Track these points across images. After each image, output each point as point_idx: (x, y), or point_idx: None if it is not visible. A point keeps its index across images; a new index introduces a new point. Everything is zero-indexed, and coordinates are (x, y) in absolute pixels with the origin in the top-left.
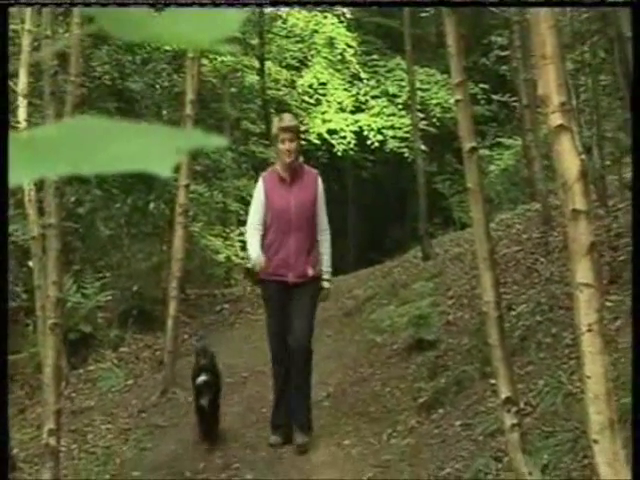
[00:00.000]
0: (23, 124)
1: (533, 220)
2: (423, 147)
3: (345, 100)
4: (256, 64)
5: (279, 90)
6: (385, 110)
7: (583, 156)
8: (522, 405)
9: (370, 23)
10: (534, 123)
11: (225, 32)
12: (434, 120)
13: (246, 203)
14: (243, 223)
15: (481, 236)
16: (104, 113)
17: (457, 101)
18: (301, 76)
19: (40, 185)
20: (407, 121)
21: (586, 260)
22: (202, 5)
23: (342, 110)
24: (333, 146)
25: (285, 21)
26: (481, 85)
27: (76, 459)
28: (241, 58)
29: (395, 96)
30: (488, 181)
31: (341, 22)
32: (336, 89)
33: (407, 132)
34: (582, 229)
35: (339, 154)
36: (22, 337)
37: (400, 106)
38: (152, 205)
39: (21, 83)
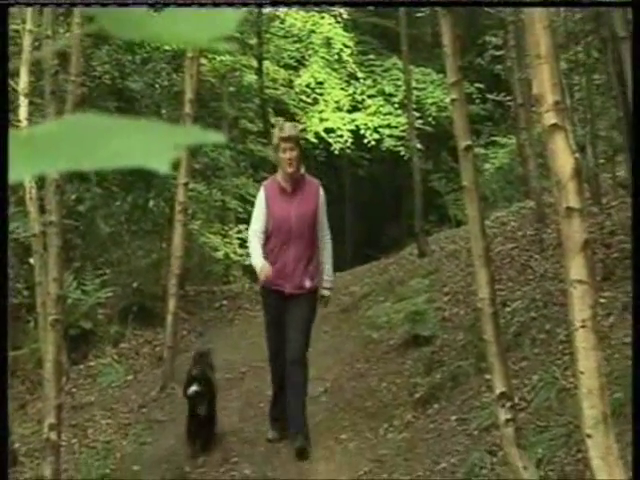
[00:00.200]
0: (24, 123)
1: (527, 218)
2: (419, 146)
3: (342, 99)
4: (254, 64)
5: (277, 89)
6: (381, 109)
7: (577, 154)
8: (517, 400)
9: (367, 23)
10: (528, 122)
11: (223, 31)
12: (430, 119)
13: (245, 201)
14: (242, 221)
15: (476, 233)
16: (104, 112)
17: (453, 100)
18: (299, 75)
19: (41, 183)
20: (403, 120)
21: (580, 257)
22: (202, 5)
23: (339, 109)
24: (330, 145)
25: (283, 21)
26: (476, 84)
27: (76, 453)
28: (239, 58)
29: (391, 95)
30: (483, 179)
31: (338, 22)
32: (333, 88)
33: (403, 131)
34: (576, 226)
35: (336, 153)
36: (23, 333)
37: (396, 105)
38: (152, 203)
39: (22, 82)
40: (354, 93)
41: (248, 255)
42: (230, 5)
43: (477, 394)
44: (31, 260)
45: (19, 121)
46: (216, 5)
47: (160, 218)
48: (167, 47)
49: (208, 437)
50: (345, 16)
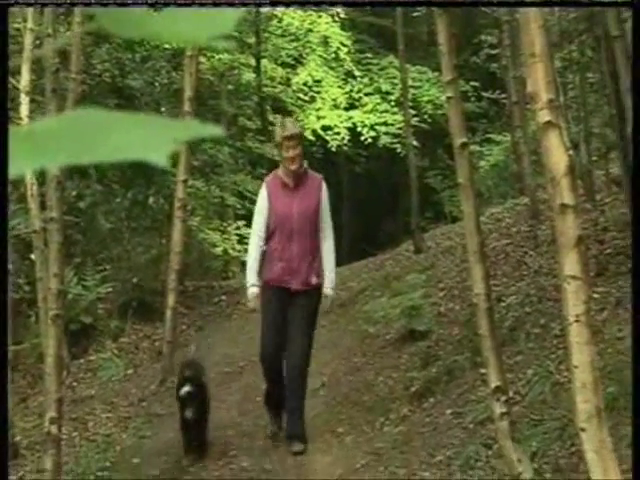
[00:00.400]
0: (25, 120)
1: (522, 214)
2: (415, 143)
3: (339, 97)
4: (252, 62)
5: (275, 87)
6: (378, 107)
7: (571, 152)
8: (511, 394)
9: (363, 22)
10: (523, 119)
11: (222, 30)
12: (426, 117)
13: (243, 198)
14: (240, 217)
15: (471, 230)
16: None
17: (448, 98)
18: (296, 74)
19: (42, 180)
20: (399, 117)
21: (574, 253)
22: (202, 5)
23: (336, 107)
24: (327, 142)
25: (280, 20)
26: (472, 83)
27: (77, 446)
28: (238, 56)
29: (388, 93)
30: (478, 176)
31: (335, 21)
32: (330, 86)
33: (399, 128)
34: (570, 223)
35: (333, 150)
36: (24, 328)
37: (393, 103)
38: (151, 199)
39: (23, 80)
40: (351, 91)
41: (247, 252)
42: (230, 5)
43: (472, 388)
44: (32, 256)
45: (20, 118)
46: (216, 5)
47: (159, 214)
48: (167, 46)
49: (201, 443)
50: (342, 15)
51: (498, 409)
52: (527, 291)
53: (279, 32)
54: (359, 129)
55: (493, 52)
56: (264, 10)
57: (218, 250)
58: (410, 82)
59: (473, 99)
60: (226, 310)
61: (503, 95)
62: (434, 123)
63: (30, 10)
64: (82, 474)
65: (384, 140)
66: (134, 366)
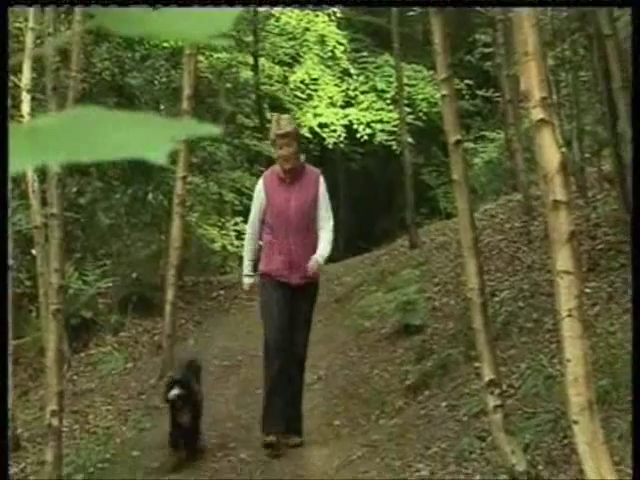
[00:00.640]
0: (27, 118)
1: (515, 210)
2: (410, 140)
3: (335, 95)
4: (250, 61)
5: (272, 86)
6: (374, 105)
7: (563, 149)
8: (505, 387)
9: (360, 21)
10: (516, 117)
11: (220, 29)
12: (421, 114)
13: (241, 194)
14: (238, 213)
15: (466, 225)
16: (104, 107)
17: (443, 96)
18: (293, 72)
19: (43, 177)
20: (395, 115)
21: (566, 248)
22: (202, 5)
23: (332, 105)
24: (324, 139)
25: (278, 19)
26: (466, 81)
27: (77, 439)
28: (236, 55)
29: (383, 91)
30: (472, 173)
31: (332, 20)
32: (327, 84)
33: (395, 126)
34: (562, 219)
35: (330, 147)
36: (25, 322)
37: (388, 101)
38: (151, 196)
39: (25, 79)
40: (347, 89)
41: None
42: (230, 5)
43: (466, 381)
44: (33, 251)
45: (22, 116)
46: (216, 5)
47: (159, 210)
48: (166, 44)
49: (192, 447)
50: (339, 14)
51: (492, 402)
52: (520, 286)
53: (276, 31)
54: (355, 126)
55: (487, 51)
56: (261, 9)
57: (216, 246)
58: (405, 80)
59: (467, 97)
60: (224, 304)
61: (497, 93)
62: (429, 121)
63: (31, 9)
64: (82, 466)
65: (380, 137)
66: (134, 360)
